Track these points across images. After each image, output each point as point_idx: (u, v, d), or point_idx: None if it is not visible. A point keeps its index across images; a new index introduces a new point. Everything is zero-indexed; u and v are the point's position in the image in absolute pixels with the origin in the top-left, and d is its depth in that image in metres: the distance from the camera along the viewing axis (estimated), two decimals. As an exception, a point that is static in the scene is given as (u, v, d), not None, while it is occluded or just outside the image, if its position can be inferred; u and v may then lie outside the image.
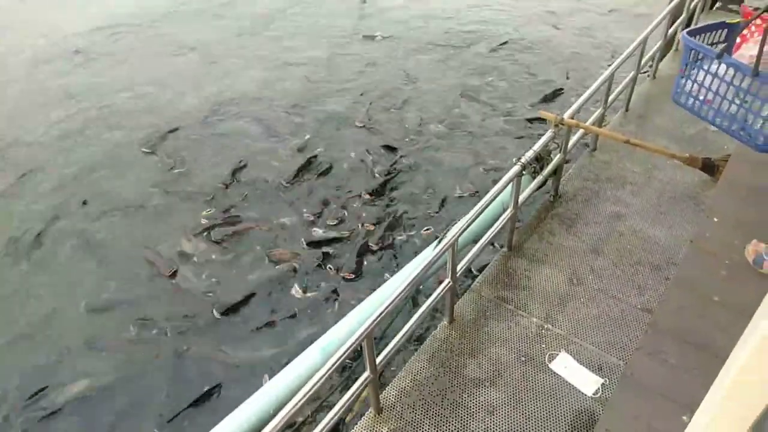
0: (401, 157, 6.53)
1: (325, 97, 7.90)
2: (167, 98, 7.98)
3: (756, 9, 2.37)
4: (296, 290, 4.78)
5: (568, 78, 8.16)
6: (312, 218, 5.61)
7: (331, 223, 5.54)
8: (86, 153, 6.84)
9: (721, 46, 2.36)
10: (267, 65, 8.88)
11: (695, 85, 2.47)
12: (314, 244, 5.32)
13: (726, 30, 2.57)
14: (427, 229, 5.41)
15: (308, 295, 4.75)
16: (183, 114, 7.56)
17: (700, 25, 2.59)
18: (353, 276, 4.91)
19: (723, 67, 2.29)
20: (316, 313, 4.60)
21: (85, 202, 5.95)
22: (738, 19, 2.50)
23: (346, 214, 5.66)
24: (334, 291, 4.79)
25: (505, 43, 9.31)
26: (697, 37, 2.52)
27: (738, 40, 2.37)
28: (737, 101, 2.30)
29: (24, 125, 7.45)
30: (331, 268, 5.02)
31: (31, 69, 9.06)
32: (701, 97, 2.46)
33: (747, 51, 2.30)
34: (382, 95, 7.91)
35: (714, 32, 2.57)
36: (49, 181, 6.35)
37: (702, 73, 2.42)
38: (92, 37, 10.11)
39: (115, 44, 9.88)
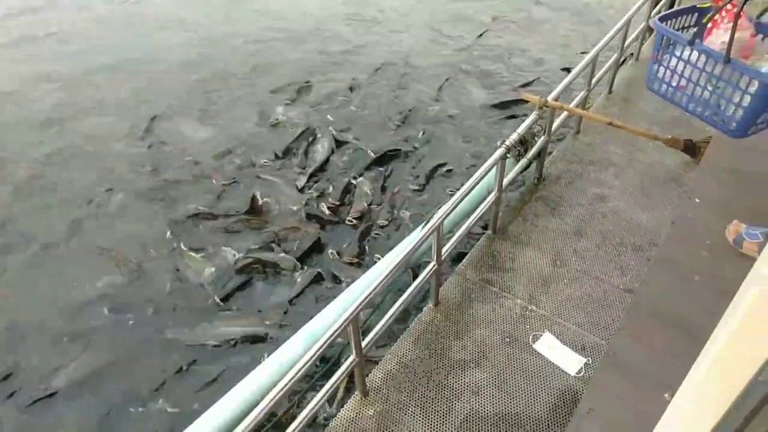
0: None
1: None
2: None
3: None
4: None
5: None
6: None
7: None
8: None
9: (692, 31, 2.36)
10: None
11: (668, 71, 2.47)
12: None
13: (697, 14, 2.57)
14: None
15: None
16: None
17: (670, 10, 2.60)
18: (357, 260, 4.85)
19: (695, 53, 2.29)
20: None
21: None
22: (708, 3, 2.50)
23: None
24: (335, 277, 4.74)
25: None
26: (668, 22, 2.51)
27: (709, 25, 2.37)
28: (710, 87, 2.30)
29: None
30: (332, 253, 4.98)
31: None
32: (674, 84, 2.46)
33: (718, 38, 2.29)
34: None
35: (685, 16, 2.58)
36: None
37: (674, 60, 2.42)
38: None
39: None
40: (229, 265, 4.80)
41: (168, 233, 5.17)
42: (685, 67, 2.36)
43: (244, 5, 9.96)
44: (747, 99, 2.15)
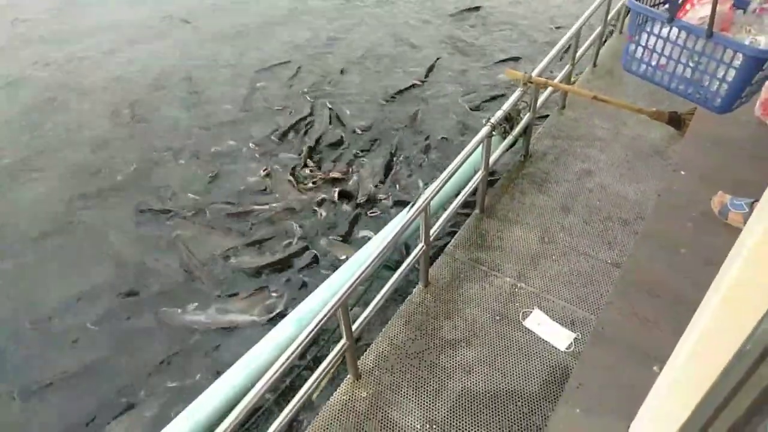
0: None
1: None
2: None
3: None
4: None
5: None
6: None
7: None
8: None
9: (667, 7, 2.32)
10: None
11: (646, 50, 2.41)
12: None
13: None
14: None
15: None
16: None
17: None
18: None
19: (674, 30, 2.23)
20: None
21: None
22: None
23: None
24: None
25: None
26: (642, 0, 2.47)
27: (682, 2, 2.32)
28: (691, 64, 2.26)
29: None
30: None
31: None
32: (654, 63, 2.40)
33: (695, 13, 2.25)
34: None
35: None
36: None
37: (653, 38, 2.37)
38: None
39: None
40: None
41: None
42: (664, 45, 2.32)
43: None
44: (732, 73, 2.13)
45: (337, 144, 5.97)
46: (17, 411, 3.79)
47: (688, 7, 2.27)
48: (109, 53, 8.06)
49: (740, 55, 2.05)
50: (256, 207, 5.21)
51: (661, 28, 2.30)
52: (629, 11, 2.52)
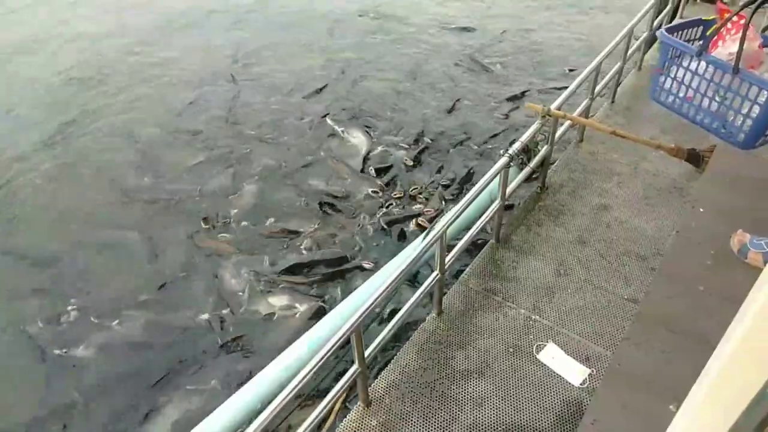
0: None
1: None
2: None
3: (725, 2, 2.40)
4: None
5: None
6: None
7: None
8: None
9: (698, 44, 2.37)
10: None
11: (675, 82, 2.47)
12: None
13: (702, 27, 2.59)
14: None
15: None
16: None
17: (676, 22, 2.62)
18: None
19: (702, 64, 2.29)
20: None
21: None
22: (713, 16, 2.52)
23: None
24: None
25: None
26: (675, 34, 2.53)
27: (715, 37, 2.37)
28: (718, 98, 2.30)
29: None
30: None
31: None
32: (681, 94, 2.46)
33: (725, 49, 2.29)
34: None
35: (690, 29, 2.60)
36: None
37: (681, 71, 2.42)
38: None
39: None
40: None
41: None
42: (692, 77, 2.36)
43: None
44: (756, 110, 2.15)
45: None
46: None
47: (720, 42, 2.31)
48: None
49: (765, 93, 2.07)
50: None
51: (690, 62, 2.35)
52: (650, 45, 2.60)
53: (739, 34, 2.10)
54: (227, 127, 7.02)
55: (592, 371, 3.03)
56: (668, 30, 2.49)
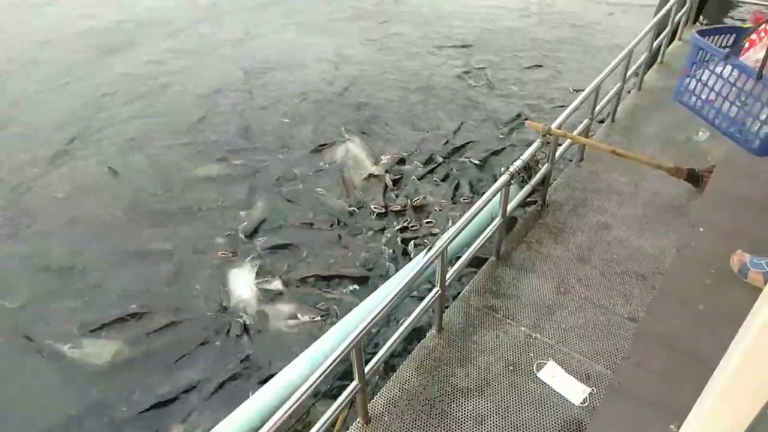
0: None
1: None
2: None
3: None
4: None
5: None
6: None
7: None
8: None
9: (728, 50, 2.41)
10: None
11: (699, 83, 2.51)
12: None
13: (735, 34, 2.61)
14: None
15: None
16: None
17: (710, 27, 2.66)
18: None
19: (728, 69, 2.34)
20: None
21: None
22: (749, 24, 2.54)
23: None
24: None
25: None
26: (707, 38, 2.56)
27: (746, 44, 2.42)
28: (738, 103, 2.35)
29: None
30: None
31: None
32: (704, 96, 2.51)
33: (754, 55, 2.35)
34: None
35: (724, 35, 2.63)
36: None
37: (707, 73, 2.47)
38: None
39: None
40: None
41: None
42: (716, 81, 2.41)
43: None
44: None
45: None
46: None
47: (750, 50, 2.36)
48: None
49: None
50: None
51: (716, 66, 2.41)
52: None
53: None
54: (242, 138, 7.14)
55: (593, 390, 3.02)
56: (700, 33, 2.52)
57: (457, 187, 6.12)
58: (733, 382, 1.13)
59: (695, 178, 4.29)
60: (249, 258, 5.20)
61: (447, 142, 6.94)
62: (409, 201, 5.87)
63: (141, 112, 7.73)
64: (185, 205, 5.93)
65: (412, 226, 5.51)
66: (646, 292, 3.57)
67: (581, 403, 2.97)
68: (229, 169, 6.53)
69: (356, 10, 10.91)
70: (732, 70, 2.31)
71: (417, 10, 10.90)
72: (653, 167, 4.30)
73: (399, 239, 5.39)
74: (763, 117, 2.22)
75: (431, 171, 6.40)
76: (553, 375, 3.12)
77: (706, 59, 2.48)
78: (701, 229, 2.98)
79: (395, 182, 6.19)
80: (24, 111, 7.89)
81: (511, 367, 3.18)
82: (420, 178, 6.28)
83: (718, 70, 2.39)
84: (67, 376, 4.25)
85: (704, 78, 2.46)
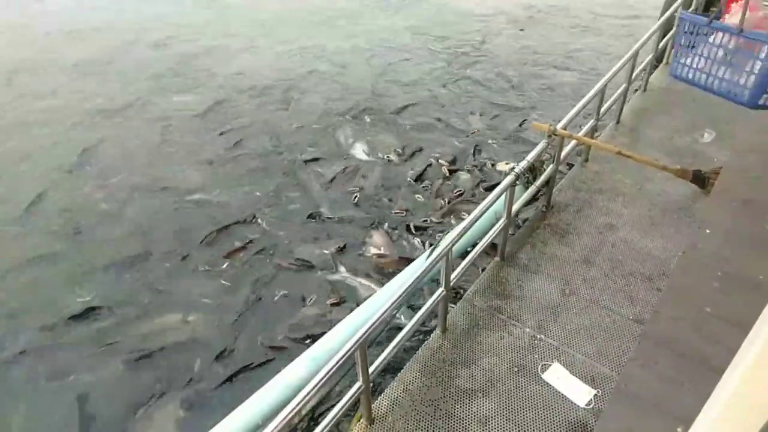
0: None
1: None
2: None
3: None
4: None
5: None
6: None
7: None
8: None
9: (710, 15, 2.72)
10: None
11: (690, 55, 2.82)
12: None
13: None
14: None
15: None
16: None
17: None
18: None
19: (713, 35, 2.62)
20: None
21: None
22: None
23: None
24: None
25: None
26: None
27: (724, 9, 2.74)
28: (726, 62, 2.62)
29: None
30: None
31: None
32: (695, 65, 2.81)
33: (731, 18, 2.63)
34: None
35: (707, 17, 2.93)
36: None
37: (696, 41, 2.78)
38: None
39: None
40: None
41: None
42: (704, 46, 2.69)
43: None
44: (758, 65, 2.45)
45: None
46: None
47: (726, 16, 2.67)
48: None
49: (765, 47, 2.34)
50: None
51: (705, 35, 2.72)
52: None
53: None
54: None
55: (598, 392, 3.01)
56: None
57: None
58: (743, 387, 1.12)
59: (701, 180, 4.27)
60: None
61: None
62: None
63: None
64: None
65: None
66: (652, 293, 3.56)
67: (586, 405, 2.95)
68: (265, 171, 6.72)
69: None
70: (716, 34, 2.60)
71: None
72: (659, 168, 4.28)
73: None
74: (748, 68, 2.46)
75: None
76: (558, 377, 3.10)
77: (694, 32, 2.79)
78: (708, 231, 2.97)
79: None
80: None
81: (516, 369, 3.17)
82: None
83: (705, 38, 2.68)
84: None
85: (695, 48, 2.77)
